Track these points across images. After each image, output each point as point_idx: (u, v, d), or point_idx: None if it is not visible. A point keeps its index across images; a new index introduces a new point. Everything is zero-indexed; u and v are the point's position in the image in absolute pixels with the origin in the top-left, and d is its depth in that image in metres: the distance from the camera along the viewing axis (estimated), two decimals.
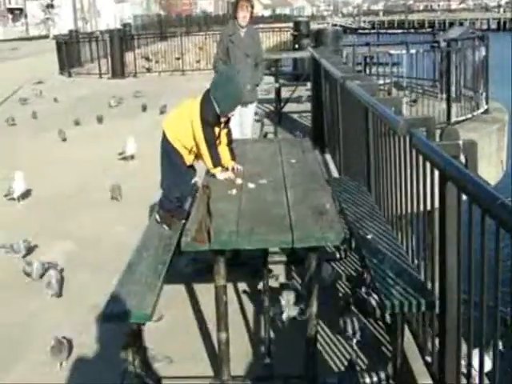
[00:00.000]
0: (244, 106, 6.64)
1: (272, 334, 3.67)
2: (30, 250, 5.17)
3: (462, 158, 2.69)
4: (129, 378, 3.30)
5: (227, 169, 4.05)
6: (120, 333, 3.37)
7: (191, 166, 4.22)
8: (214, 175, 3.98)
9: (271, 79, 10.85)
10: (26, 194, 6.77)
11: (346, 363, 3.42)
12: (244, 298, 4.27)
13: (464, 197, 2.47)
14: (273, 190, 3.62)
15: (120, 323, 3.32)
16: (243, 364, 3.50)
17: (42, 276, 4.62)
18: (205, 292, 4.13)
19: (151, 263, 3.69)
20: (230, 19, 6.95)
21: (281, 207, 3.32)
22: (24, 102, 13.94)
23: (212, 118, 3.90)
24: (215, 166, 3.98)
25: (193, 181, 4.41)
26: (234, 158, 4.12)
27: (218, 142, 4.04)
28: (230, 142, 4.14)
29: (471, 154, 2.61)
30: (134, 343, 3.28)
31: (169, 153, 4.08)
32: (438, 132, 3.09)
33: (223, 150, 4.08)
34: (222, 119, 3.96)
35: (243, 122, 6.70)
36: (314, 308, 3.20)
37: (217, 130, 4.00)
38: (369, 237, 3.69)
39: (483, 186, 2.18)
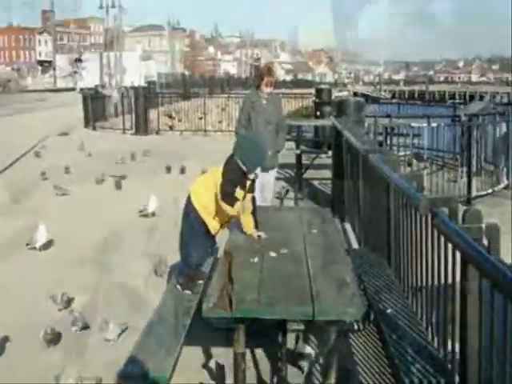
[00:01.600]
0: (265, 171, 6.76)
1: None
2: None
3: (485, 241, 2.73)
4: None
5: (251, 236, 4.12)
6: None
7: (213, 237, 4.26)
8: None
9: (292, 145, 11.04)
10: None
11: None
12: (262, 366, 4.22)
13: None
14: (294, 259, 3.66)
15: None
16: None
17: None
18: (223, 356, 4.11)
19: (171, 326, 3.72)
20: (253, 87, 7.12)
21: (302, 278, 3.35)
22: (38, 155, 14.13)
23: (236, 176, 3.97)
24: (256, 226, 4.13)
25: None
26: (256, 225, 4.19)
27: (242, 207, 4.07)
28: (254, 209, 4.21)
29: (494, 238, 2.64)
30: None
31: (192, 219, 4.13)
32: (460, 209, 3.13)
33: (247, 218, 4.15)
34: (248, 180, 4.05)
35: (264, 187, 6.76)
36: (332, 380, 3.18)
37: (242, 192, 4.06)
38: (388, 311, 3.69)
39: (505, 273, 2.20)
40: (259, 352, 4.35)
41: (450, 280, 3.06)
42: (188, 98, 23.11)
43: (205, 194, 4.11)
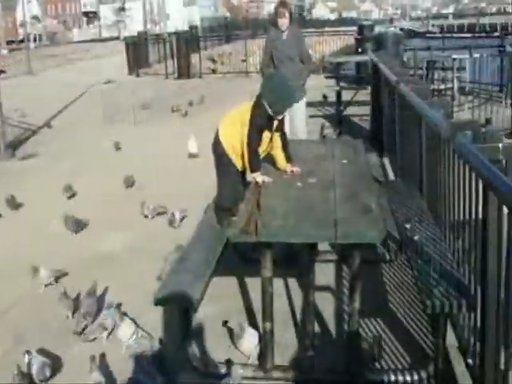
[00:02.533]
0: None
1: (316, 328, 3.78)
2: None
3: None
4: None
5: (285, 171, 4.12)
6: None
7: (242, 173, 4.33)
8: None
9: (332, 82, 10.94)
10: None
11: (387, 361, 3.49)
12: (292, 292, 4.39)
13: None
14: (321, 188, 3.74)
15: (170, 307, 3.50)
16: (286, 355, 3.62)
17: None
18: (255, 284, 4.28)
19: (202, 254, 3.89)
20: (272, 26, 7.19)
21: (327, 205, 3.43)
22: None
23: (263, 120, 3.99)
24: (253, 171, 4.06)
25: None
26: (290, 160, 4.17)
27: (270, 146, 4.15)
28: (284, 145, 4.20)
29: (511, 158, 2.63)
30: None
31: (221, 156, 4.25)
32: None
33: (278, 154, 4.17)
34: (275, 121, 4.06)
35: (293, 117, 6.82)
36: (357, 304, 3.29)
37: (269, 134, 4.09)
38: (415, 238, 3.74)
39: None
40: (291, 281, 4.51)
41: (474, 207, 3.07)
42: (230, 41, 22.92)
43: (231, 133, 4.17)
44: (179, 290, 3.43)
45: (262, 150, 4.14)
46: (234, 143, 4.17)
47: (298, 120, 6.97)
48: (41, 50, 40.55)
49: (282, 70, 6.59)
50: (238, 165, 4.24)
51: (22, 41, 46.00)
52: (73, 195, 7.04)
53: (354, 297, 3.29)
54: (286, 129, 6.77)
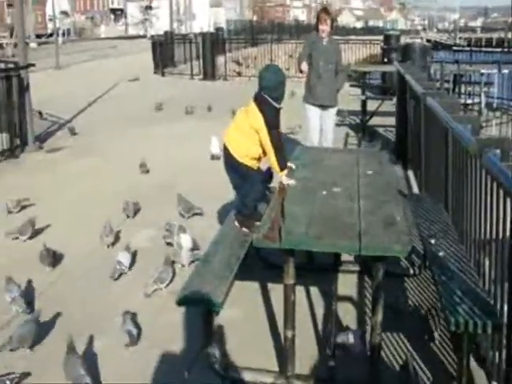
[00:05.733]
0: (325, 110, 6.86)
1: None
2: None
3: None
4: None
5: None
6: None
7: (264, 179, 4.44)
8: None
9: (358, 91, 10.88)
10: None
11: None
12: (314, 301, 4.36)
13: None
14: (346, 198, 3.72)
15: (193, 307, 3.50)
16: (307, 363, 3.58)
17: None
18: (277, 290, 4.26)
19: (225, 257, 3.90)
20: (313, 30, 7.27)
21: (351, 215, 3.41)
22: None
23: (275, 116, 4.11)
24: (282, 169, 4.17)
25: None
26: (284, 166, 4.24)
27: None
28: (279, 146, 4.25)
29: None
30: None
31: (237, 168, 4.31)
32: None
33: (271, 156, 4.22)
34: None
35: (324, 126, 6.99)
36: (379, 317, 3.24)
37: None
38: (440, 254, 3.70)
39: None
40: (313, 289, 4.48)
41: (501, 225, 3.02)
42: (256, 45, 22.94)
43: (243, 141, 4.25)
44: (202, 292, 3.43)
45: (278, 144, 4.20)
46: (249, 150, 4.26)
47: (328, 128, 7.03)
48: (69, 45, 41.03)
49: (321, 72, 6.79)
50: (255, 167, 4.34)
51: (50, 35, 46.58)
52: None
53: (376, 309, 3.23)
54: (316, 136, 6.89)
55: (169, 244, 5.24)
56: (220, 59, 19.75)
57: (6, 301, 4.23)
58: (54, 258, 4.94)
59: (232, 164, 4.33)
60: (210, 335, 3.52)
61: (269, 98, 4.16)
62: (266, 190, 4.60)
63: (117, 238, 5.50)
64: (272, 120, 4.15)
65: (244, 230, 4.30)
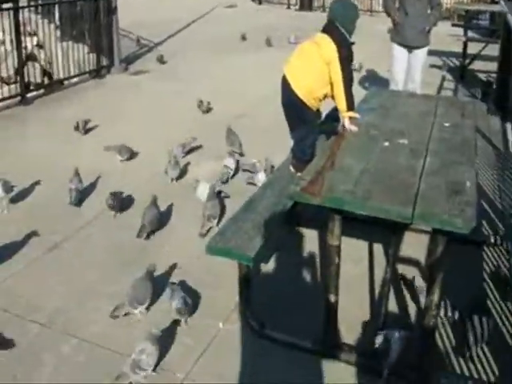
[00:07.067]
0: (413, 51, 6.21)
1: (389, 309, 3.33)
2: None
3: None
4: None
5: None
6: None
7: (317, 110, 3.99)
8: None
9: (459, 31, 9.89)
10: None
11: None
12: (365, 262, 3.92)
13: None
14: (410, 152, 3.18)
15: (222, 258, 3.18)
16: (351, 333, 3.19)
17: None
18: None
19: (271, 204, 3.52)
20: None
21: (412, 174, 2.89)
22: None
23: (349, 49, 3.70)
24: (350, 108, 3.71)
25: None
26: (350, 108, 3.80)
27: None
28: (347, 85, 3.80)
29: None
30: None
31: (296, 105, 3.85)
32: None
33: (339, 93, 3.77)
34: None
35: (412, 67, 6.38)
36: (436, 296, 2.75)
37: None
38: None
39: None
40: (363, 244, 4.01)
41: None
42: None
43: (308, 75, 3.79)
44: (233, 243, 3.09)
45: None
46: (313, 86, 3.78)
47: (415, 69, 6.38)
48: None
49: (409, 10, 6.13)
50: (315, 106, 3.91)
51: None
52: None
53: (433, 288, 2.73)
54: (401, 77, 6.25)
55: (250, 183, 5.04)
56: None
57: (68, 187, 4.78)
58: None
59: (290, 99, 3.86)
60: (245, 289, 3.20)
61: (343, 29, 3.73)
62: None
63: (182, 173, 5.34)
64: (346, 52, 3.69)
65: (299, 174, 3.88)
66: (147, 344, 2.90)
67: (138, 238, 4.17)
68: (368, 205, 2.60)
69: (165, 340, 3.05)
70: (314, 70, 3.76)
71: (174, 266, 3.83)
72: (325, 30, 3.81)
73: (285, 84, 3.88)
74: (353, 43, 3.80)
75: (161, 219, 4.36)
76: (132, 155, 5.72)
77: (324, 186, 2.73)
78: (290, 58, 3.95)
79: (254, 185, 4.85)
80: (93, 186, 5.08)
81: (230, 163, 5.26)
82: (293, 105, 3.87)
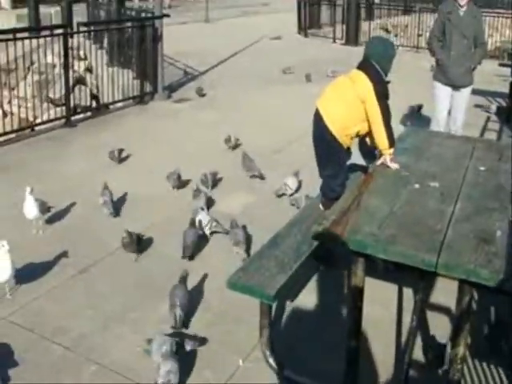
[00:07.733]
0: (457, 90, 6.11)
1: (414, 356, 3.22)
2: None
3: None
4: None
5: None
6: None
7: (348, 148, 3.95)
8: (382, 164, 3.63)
9: (506, 71, 9.67)
10: None
11: None
12: (394, 305, 3.82)
13: None
14: (440, 197, 3.09)
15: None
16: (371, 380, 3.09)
17: None
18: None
19: (296, 242, 3.47)
20: None
21: (440, 220, 2.80)
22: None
23: (385, 87, 3.66)
24: (391, 145, 3.65)
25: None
26: (391, 143, 3.75)
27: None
28: (386, 120, 3.76)
29: None
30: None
31: (327, 141, 3.82)
32: None
33: (378, 129, 3.73)
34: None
35: (454, 107, 6.26)
36: (461, 349, 2.63)
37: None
38: None
39: None
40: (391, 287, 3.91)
41: None
42: (408, 12, 21.52)
43: (342, 111, 3.76)
44: (255, 280, 3.05)
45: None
46: (346, 123, 3.75)
47: (458, 109, 6.26)
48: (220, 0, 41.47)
49: (453, 48, 6.05)
50: (346, 145, 3.89)
51: None
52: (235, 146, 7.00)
53: (458, 340, 2.61)
54: (443, 116, 6.16)
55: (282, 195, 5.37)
56: (366, 25, 18.78)
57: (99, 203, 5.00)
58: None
59: (323, 135, 3.82)
60: (265, 327, 3.14)
61: (379, 67, 3.71)
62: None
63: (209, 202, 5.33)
64: (382, 89, 3.65)
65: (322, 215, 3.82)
66: (171, 363, 2.92)
67: (183, 258, 4.26)
68: (391, 249, 2.53)
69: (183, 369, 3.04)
70: (347, 104, 3.74)
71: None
72: (360, 67, 3.78)
73: (317, 117, 3.85)
74: (388, 82, 3.77)
75: (199, 243, 4.45)
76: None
77: (348, 227, 2.67)
78: (324, 91, 3.93)
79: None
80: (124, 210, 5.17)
81: (291, 182, 5.31)
82: (324, 140, 3.84)
